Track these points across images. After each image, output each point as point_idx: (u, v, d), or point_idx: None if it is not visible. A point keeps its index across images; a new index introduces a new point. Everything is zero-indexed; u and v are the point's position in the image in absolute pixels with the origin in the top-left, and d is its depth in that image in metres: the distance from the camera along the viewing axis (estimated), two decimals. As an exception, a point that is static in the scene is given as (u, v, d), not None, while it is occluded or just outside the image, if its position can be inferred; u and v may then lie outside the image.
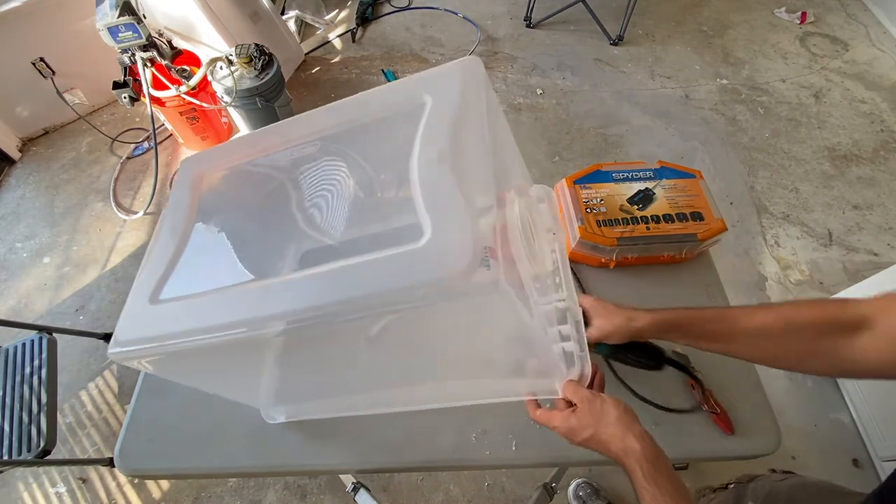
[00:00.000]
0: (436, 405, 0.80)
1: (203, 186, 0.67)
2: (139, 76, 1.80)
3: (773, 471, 0.79)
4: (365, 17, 2.86)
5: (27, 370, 1.29)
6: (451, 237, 0.44)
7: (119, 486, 1.50)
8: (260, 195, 0.72)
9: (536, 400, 0.66)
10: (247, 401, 0.82)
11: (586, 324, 0.67)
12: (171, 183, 2.18)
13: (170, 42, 1.94)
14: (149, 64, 1.79)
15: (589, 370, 0.61)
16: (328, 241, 0.62)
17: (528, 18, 2.85)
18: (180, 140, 2.28)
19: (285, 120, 0.67)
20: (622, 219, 0.97)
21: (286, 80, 2.21)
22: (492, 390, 0.75)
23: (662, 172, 1.03)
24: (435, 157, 0.50)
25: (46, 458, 1.19)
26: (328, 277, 0.48)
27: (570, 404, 0.60)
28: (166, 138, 2.32)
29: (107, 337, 1.74)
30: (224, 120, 2.29)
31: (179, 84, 1.88)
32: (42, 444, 1.18)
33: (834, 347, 0.54)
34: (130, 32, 1.67)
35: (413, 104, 0.57)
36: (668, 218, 0.97)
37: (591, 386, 0.62)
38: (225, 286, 0.55)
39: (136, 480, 1.50)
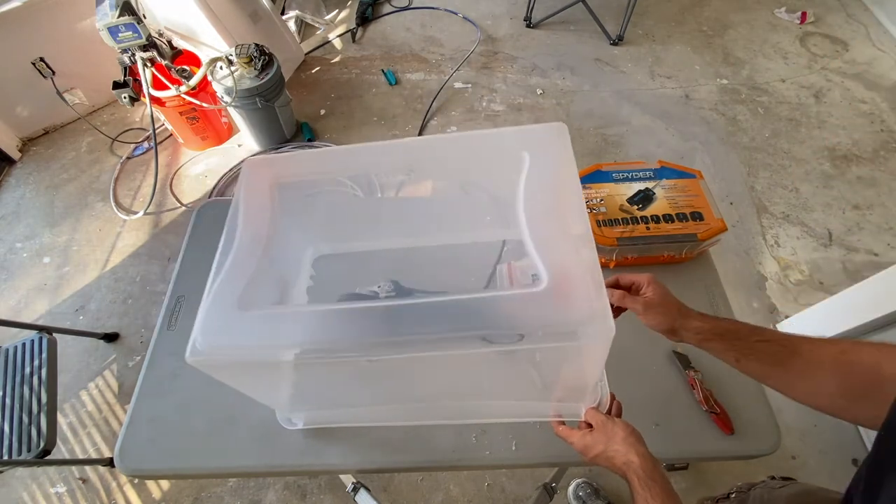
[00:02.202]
0: (463, 421, 0.84)
1: (279, 195, 0.68)
2: (139, 76, 1.80)
3: (773, 477, 0.79)
4: (365, 17, 2.86)
5: (27, 370, 1.29)
6: (569, 283, 0.50)
7: (119, 486, 1.50)
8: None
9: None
10: (274, 405, 0.82)
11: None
12: (170, 184, 2.18)
13: (170, 42, 1.94)
14: (149, 64, 1.79)
15: (607, 398, 0.69)
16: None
17: (528, 18, 2.85)
18: (180, 140, 2.28)
19: (375, 143, 0.69)
20: (622, 219, 0.97)
21: (286, 80, 2.21)
22: (521, 411, 0.81)
23: (662, 172, 1.04)
24: (541, 207, 0.58)
25: (46, 458, 1.19)
26: (453, 307, 0.52)
27: (589, 425, 0.67)
28: (166, 138, 2.32)
29: (107, 337, 1.74)
30: (224, 120, 2.29)
31: (179, 84, 1.88)
32: (42, 444, 1.18)
33: (886, 395, 0.49)
34: (130, 32, 1.67)
35: (512, 157, 0.64)
36: (668, 218, 0.97)
37: (609, 411, 0.68)
38: (330, 303, 0.58)
39: (136, 480, 1.50)
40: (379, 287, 0.73)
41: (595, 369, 0.63)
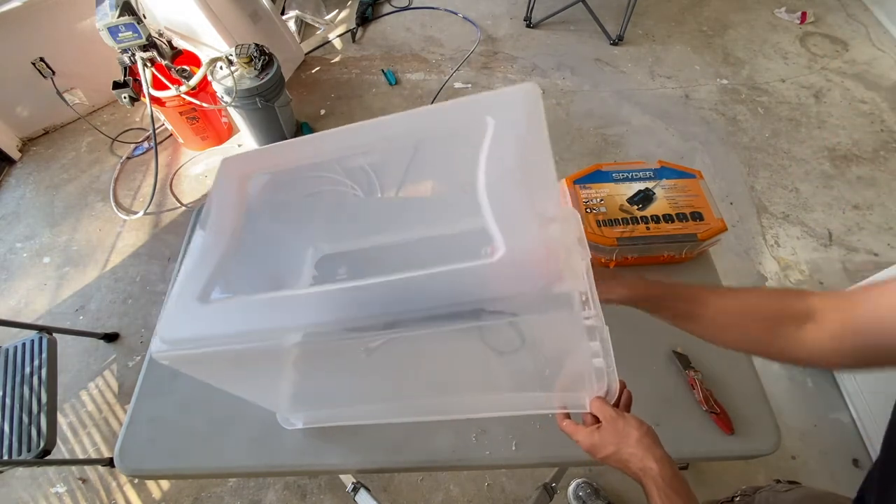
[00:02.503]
0: (463, 416, 0.82)
1: (248, 188, 0.67)
2: (139, 76, 1.80)
3: (778, 481, 0.79)
4: (365, 17, 2.86)
5: (27, 370, 1.29)
6: (526, 253, 0.46)
7: (119, 486, 1.50)
8: (306, 201, 0.73)
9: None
10: (270, 406, 0.82)
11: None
12: (170, 184, 2.18)
13: (170, 42, 1.94)
14: (149, 64, 1.79)
15: (616, 386, 0.62)
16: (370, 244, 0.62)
17: (528, 18, 2.85)
18: (180, 140, 2.28)
19: (338, 129, 0.67)
20: (622, 219, 0.97)
21: (286, 80, 2.21)
22: (522, 403, 0.77)
23: (662, 172, 1.04)
24: (503, 175, 0.52)
25: (46, 458, 1.19)
26: (403, 286, 0.48)
27: (596, 420, 0.62)
28: (166, 138, 2.32)
29: (107, 337, 1.74)
30: (224, 120, 2.29)
31: (179, 84, 1.88)
32: (42, 444, 1.18)
33: (786, 336, 0.58)
34: (130, 32, 1.67)
35: (475, 124, 0.59)
36: (668, 218, 0.97)
37: (618, 402, 0.64)
38: (284, 290, 0.56)
39: (136, 480, 1.50)
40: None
41: (577, 347, 0.60)
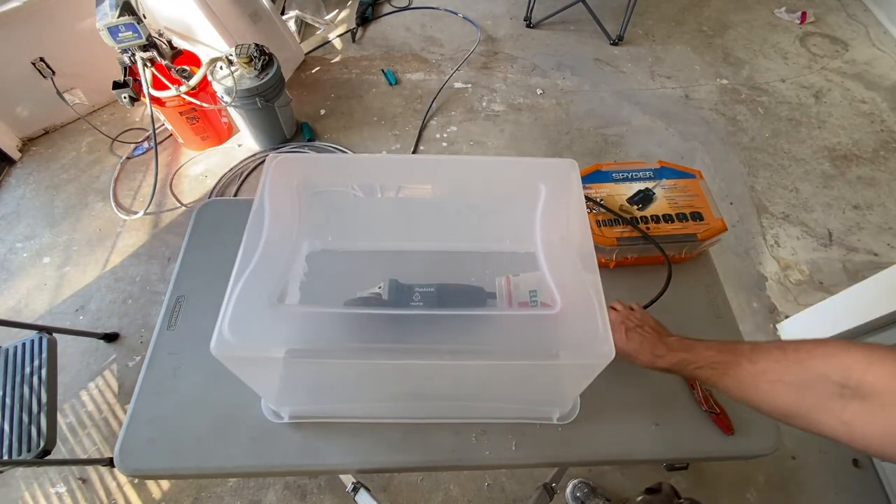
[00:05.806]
0: (457, 420, 0.85)
1: (305, 197, 0.71)
2: (139, 76, 1.80)
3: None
4: (365, 17, 2.87)
5: (27, 370, 1.29)
6: (579, 310, 0.57)
7: (119, 486, 1.50)
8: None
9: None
10: (287, 404, 0.83)
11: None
12: (170, 184, 2.18)
13: (170, 42, 1.94)
14: (149, 64, 1.79)
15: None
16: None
17: (528, 18, 2.85)
18: (180, 140, 2.28)
19: (394, 157, 0.74)
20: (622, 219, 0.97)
21: (286, 80, 2.21)
22: (513, 413, 0.84)
23: (662, 172, 1.03)
24: (555, 237, 0.65)
25: (46, 458, 1.19)
26: (465, 321, 0.57)
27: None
28: (166, 138, 2.32)
29: (107, 337, 1.74)
30: (224, 120, 2.29)
31: (179, 84, 1.88)
32: (42, 444, 1.18)
33: (833, 410, 0.51)
34: (130, 32, 1.67)
35: (529, 187, 0.72)
36: (667, 218, 0.97)
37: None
38: (355, 307, 0.62)
39: (136, 480, 1.50)
40: (380, 288, 0.73)
41: (588, 382, 0.68)
